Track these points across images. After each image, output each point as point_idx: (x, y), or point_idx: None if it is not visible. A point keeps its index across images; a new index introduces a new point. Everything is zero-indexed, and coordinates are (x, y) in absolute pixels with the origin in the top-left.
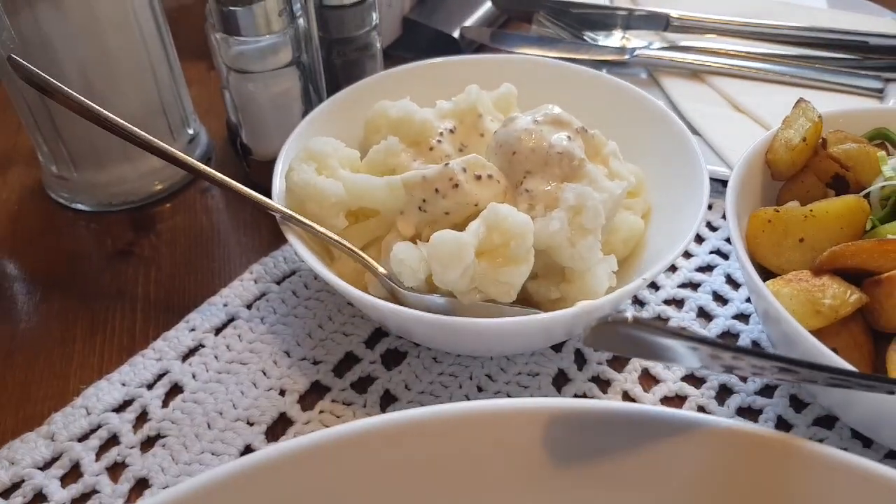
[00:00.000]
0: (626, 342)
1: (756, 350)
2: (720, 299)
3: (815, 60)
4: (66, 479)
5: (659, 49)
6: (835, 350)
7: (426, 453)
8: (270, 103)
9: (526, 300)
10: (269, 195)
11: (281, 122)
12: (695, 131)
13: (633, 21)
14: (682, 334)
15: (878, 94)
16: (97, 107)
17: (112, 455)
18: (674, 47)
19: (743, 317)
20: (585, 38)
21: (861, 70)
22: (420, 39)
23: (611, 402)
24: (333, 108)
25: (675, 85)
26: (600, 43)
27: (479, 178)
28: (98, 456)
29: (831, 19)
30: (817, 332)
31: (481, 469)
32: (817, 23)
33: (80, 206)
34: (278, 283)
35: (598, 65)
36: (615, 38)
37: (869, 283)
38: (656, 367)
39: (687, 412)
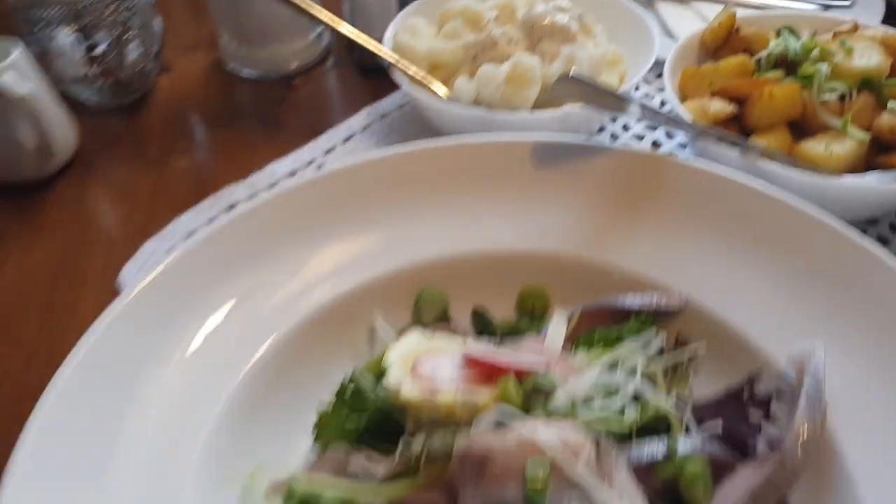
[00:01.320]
0: (577, 92)
1: (653, 108)
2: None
3: None
4: None
5: None
6: None
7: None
8: (377, 4)
9: None
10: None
11: (383, 17)
12: (672, 35)
13: None
14: (604, 90)
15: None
16: None
17: None
18: None
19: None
20: None
21: None
22: None
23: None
24: (418, 5)
25: (666, 8)
26: None
27: (508, 41)
28: None
29: None
30: None
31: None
32: None
33: (248, 73)
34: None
35: None
36: None
37: (741, 103)
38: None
39: (611, 143)
